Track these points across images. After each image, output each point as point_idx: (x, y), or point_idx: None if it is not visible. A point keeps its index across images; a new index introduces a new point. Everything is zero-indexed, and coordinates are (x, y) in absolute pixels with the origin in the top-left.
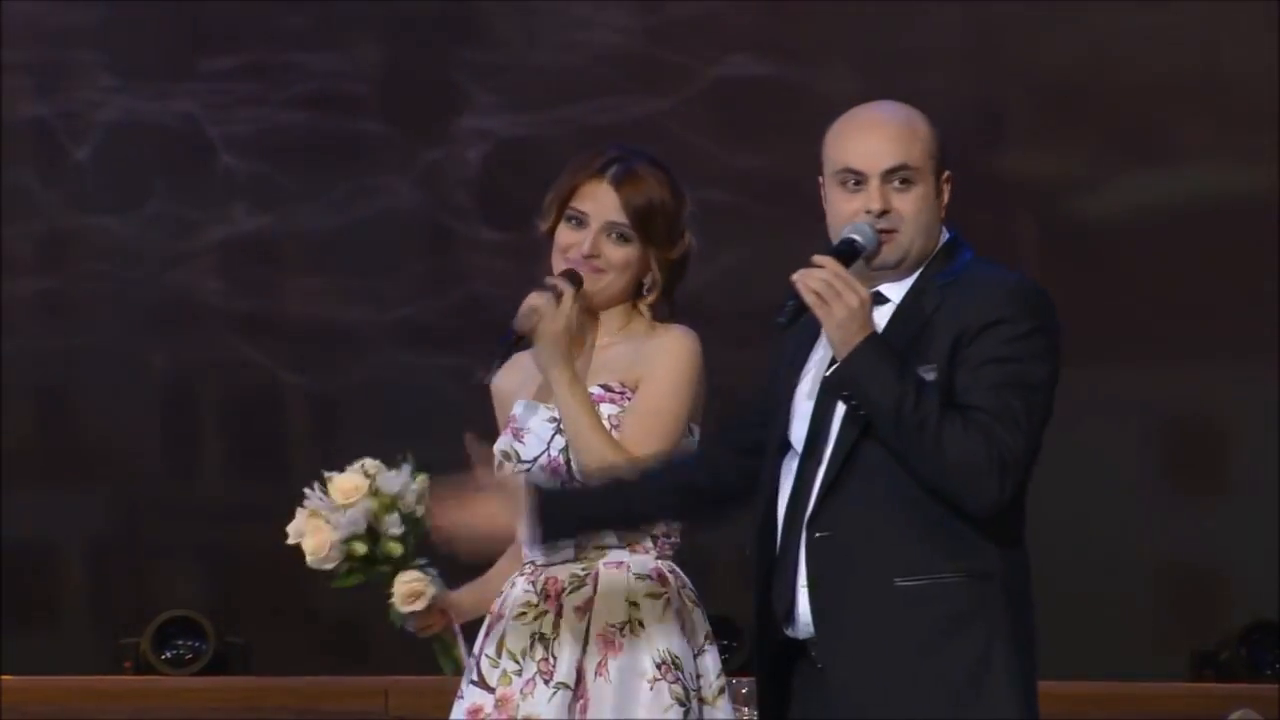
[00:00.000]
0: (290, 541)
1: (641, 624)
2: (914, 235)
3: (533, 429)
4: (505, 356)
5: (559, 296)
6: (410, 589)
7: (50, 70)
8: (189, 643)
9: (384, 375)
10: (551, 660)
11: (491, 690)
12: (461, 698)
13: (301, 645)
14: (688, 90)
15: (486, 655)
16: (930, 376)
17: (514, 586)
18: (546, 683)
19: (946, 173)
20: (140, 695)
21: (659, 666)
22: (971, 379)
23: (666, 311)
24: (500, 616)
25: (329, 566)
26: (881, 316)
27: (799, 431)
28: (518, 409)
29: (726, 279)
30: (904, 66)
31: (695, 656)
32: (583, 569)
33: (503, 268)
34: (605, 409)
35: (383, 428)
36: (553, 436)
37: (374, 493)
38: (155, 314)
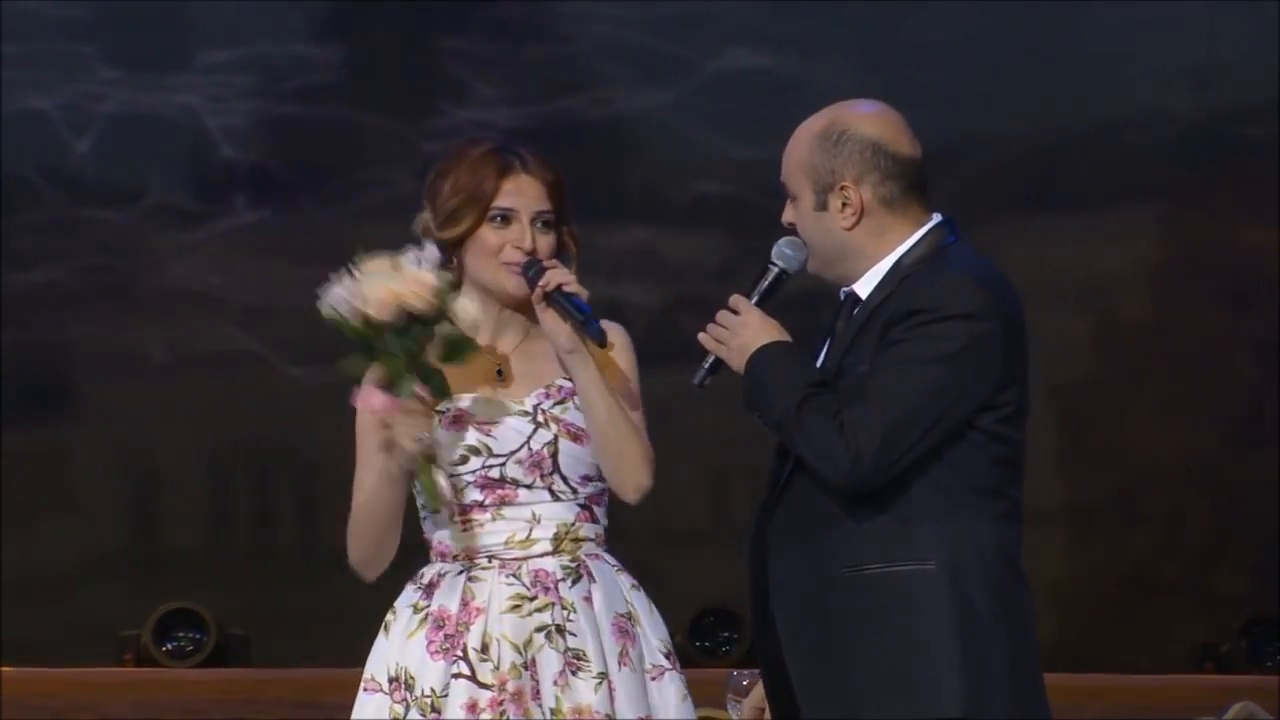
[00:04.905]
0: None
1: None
2: (811, 244)
3: (507, 423)
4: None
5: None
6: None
7: (51, 63)
8: (190, 635)
9: None
10: None
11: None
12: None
13: (302, 637)
14: (687, 83)
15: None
16: (864, 368)
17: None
18: None
19: (843, 182)
20: (141, 687)
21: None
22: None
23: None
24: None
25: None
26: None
27: None
28: (466, 403)
29: (725, 271)
30: (902, 59)
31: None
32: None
33: None
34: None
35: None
36: (534, 431)
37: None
38: (155, 306)
